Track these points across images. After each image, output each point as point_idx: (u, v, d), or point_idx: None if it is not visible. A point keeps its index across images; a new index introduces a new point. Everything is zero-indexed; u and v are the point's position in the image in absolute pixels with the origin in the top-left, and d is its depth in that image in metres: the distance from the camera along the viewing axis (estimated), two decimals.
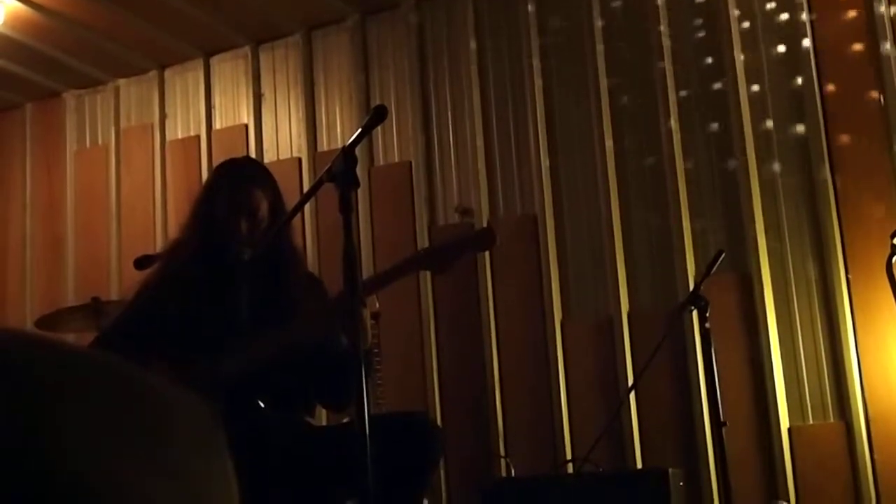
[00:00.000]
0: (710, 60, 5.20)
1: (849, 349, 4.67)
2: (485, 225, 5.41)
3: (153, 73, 6.54)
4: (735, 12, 5.15)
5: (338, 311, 2.71)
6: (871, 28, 4.89)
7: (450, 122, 5.73)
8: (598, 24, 5.44)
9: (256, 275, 2.96)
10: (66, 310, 5.10)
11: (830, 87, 4.93)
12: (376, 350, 4.66)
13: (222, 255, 2.97)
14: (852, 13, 4.94)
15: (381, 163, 5.84)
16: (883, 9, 4.88)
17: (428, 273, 5.39)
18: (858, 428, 4.62)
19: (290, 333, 2.78)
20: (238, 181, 3.02)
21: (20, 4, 5.63)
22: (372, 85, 5.97)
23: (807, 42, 5.00)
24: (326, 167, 2.33)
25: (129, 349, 2.75)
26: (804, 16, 5.02)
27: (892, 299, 4.13)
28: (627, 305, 5.16)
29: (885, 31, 4.86)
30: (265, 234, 2.95)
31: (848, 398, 4.66)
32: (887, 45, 4.85)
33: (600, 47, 5.41)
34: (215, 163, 3.58)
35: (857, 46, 4.92)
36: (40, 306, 6.05)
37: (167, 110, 6.50)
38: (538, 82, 5.50)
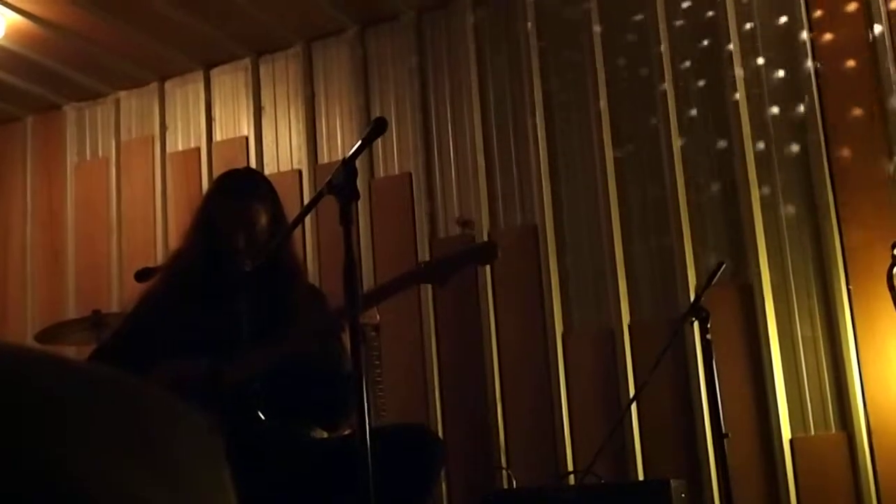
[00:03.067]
0: (710, 76, 5.21)
1: (850, 359, 4.67)
2: (485, 236, 5.41)
3: (153, 86, 6.55)
4: (736, 32, 5.16)
5: (337, 323, 2.72)
6: (871, 46, 4.90)
7: (450, 134, 5.73)
8: (598, 36, 5.45)
9: (257, 286, 2.96)
10: (66, 323, 5.10)
11: (831, 102, 4.94)
12: (377, 362, 4.65)
13: (222, 266, 2.97)
14: (853, 33, 4.94)
15: (382, 175, 5.84)
16: (882, 28, 4.88)
17: (429, 286, 5.40)
18: (860, 439, 4.61)
19: (289, 345, 2.78)
20: (236, 194, 3.01)
21: (21, 17, 5.65)
22: (372, 97, 5.98)
23: (808, 58, 5.01)
24: (327, 179, 2.34)
25: (128, 361, 2.75)
26: (804, 34, 5.03)
27: (893, 309, 4.14)
28: (628, 317, 5.15)
29: (885, 49, 4.87)
30: (266, 245, 2.95)
31: (849, 409, 4.65)
32: (887, 63, 4.86)
33: (600, 59, 5.42)
34: (216, 175, 3.59)
35: (858, 64, 4.92)
36: (41, 319, 6.05)
37: (167, 122, 6.51)
38: (538, 93, 5.51)
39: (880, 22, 4.90)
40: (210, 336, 2.85)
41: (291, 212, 3.03)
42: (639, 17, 5.40)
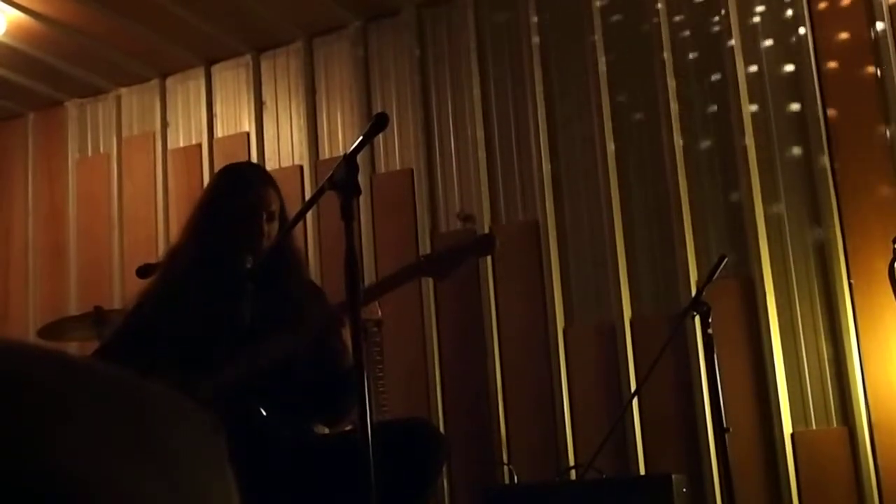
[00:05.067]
0: (713, 73, 5.21)
1: (851, 354, 4.67)
2: (486, 231, 5.41)
3: (154, 82, 6.55)
4: (738, 28, 5.16)
5: (338, 319, 2.72)
6: (873, 43, 4.89)
7: (451, 129, 5.73)
8: (599, 32, 5.44)
9: (259, 282, 2.96)
10: (68, 319, 5.11)
11: (833, 98, 4.93)
12: (379, 357, 4.66)
13: (225, 261, 2.97)
14: (860, 42, 4.93)
15: (383, 170, 5.84)
16: (885, 25, 4.88)
17: (430, 280, 5.40)
18: (861, 433, 4.62)
19: (292, 340, 2.78)
20: (253, 182, 3.01)
21: (22, 14, 5.65)
22: (373, 92, 5.97)
23: (806, 32, 5.00)
24: (328, 175, 2.34)
25: (130, 358, 2.75)
26: (807, 33, 5.03)
27: (895, 303, 4.14)
28: (630, 311, 5.15)
29: (888, 50, 4.86)
30: (269, 242, 2.96)
31: (851, 403, 4.65)
32: (890, 60, 4.85)
33: (601, 54, 5.41)
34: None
35: (861, 61, 4.91)
36: (43, 315, 6.05)
37: (169, 119, 6.51)
38: (539, 88, 5.51)
39: (882, 19, 4.89)
40: (212, 333, 2.85)
41: (293, 207, 3.03)
42: (642, 11, 5.39)
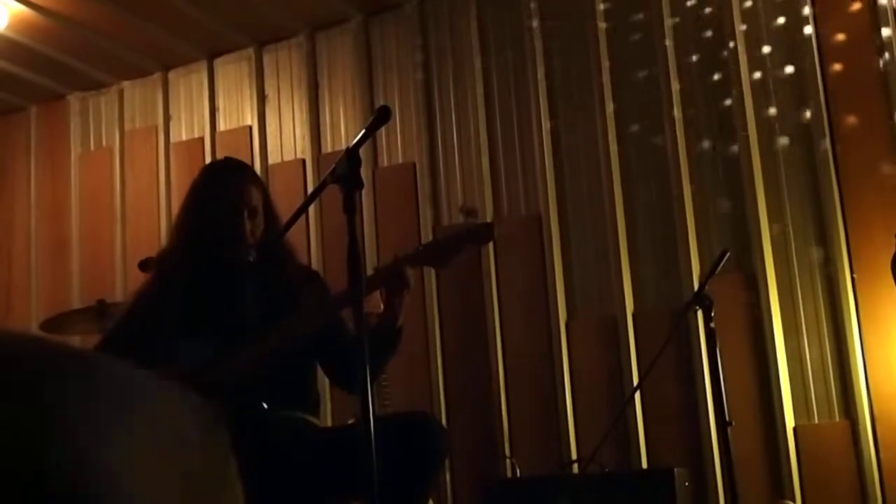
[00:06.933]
0: (715, 70, 5.20)
1: (854, 348, 4.67)
2: None
3: (157, 76, 6.55)
4: (741, 26, 5.15)
5: (338, 309, 2.73)
6: (876, 44, 4.89)
7: (454, 123, 5.73)
8: (602, 24, 5.44)
9: (259, 275, 2.96)
10: (71, 312, 5.10)
11: (836, 95, 4.93)
12: None
13: (223, 255, 2.97)
14: (863, 38, 4.92)
15: (385, 164, 5.84)
16: (890, 31, 4.87)
17: (433, 273, 5.40)
18: (864, 427, 4.62)
19: (292, 329, 2.78)
20: (234, 180, 3.02)
21: (24, 7, 5.65)
22: (375, 86, 5.97)
23: (814, 56, 5.00)
24: (330, 168, 2.34)
25: (133, 351, 2.76)
26: (811, 32, 5.03)
27: None
28: (632, 305, 5.15)
29: (892, 44, 4.85)
30: (268, 235, 2.96)
31: (853, 397, 4.66)
32: (893, 57, 4.85)
33: (604, 47, 5.41)
34: None
35: (862, 60, 4.91)
36: (45, 309, 6.05)
37: (171, 112, 6.51)
38: (542, 82, 5.50)
39: (890, 27, 4.88)
40: (215, 326, 2.85)
41: (295, 201, 3.03)
42: (645, 9, 5.38)
